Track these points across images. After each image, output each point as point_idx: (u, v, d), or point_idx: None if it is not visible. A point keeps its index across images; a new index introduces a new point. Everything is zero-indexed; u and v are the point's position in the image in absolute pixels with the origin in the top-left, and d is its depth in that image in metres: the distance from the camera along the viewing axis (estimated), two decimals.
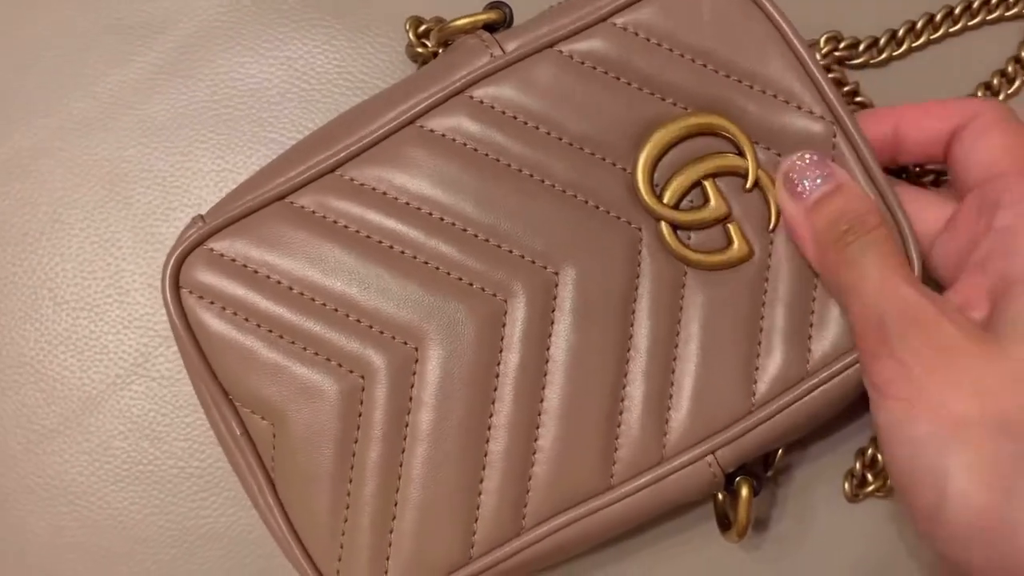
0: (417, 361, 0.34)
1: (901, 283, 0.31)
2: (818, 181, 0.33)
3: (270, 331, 0.34)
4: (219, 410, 0.35)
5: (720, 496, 0.36)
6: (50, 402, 0.40)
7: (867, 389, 0.32)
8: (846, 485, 0.39)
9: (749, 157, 0.35)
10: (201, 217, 0.35)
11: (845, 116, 0.34)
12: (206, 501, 0.40)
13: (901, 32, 0.41)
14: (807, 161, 0.34)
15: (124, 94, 0.41)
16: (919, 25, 0.41)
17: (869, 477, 0.39)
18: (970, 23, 0.41)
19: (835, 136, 0.34)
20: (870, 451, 0.39)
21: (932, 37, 0.41)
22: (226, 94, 0.41)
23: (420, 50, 0.39)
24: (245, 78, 0.41)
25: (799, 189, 0.34)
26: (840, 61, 0.41)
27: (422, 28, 0.39)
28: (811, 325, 0.34)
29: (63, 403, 0.40)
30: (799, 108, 0.35)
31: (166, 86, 0.41)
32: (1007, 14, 0.41)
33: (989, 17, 0.41)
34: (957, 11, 0.41)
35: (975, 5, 0.41)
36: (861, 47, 0.41)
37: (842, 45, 0.41)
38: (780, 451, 0.37)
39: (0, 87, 0.42)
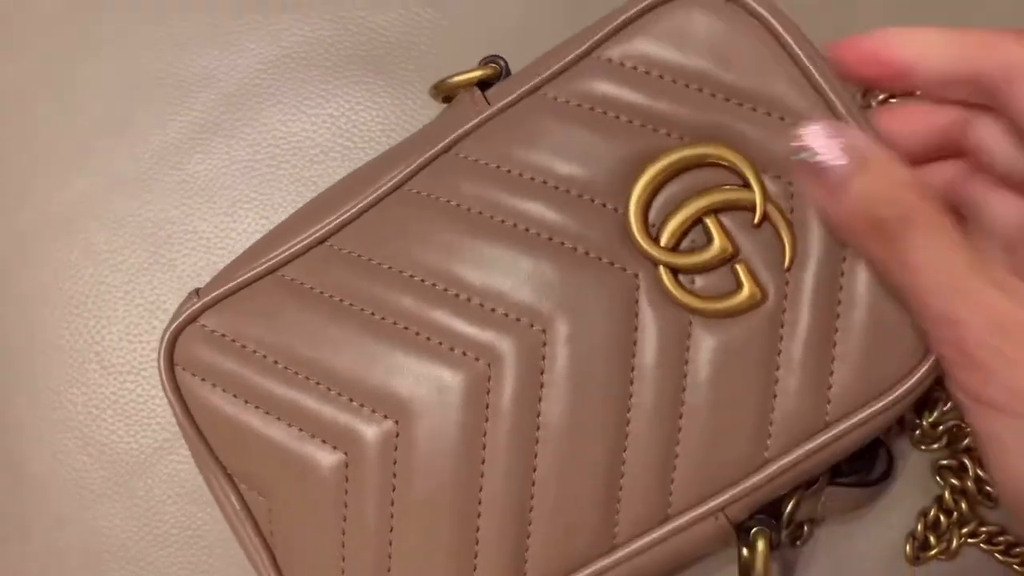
0: (398, 435, 0.33)
1: (964, 273, 0.26)
2: (836, 159, 0.27)
3: (257, 407, 0.34)
4: (219, 485, 0.35)
5: (745, 551, 0.33)
6: (98, 466, 0.40)
7: (955, 398, 0.27)
8: (907, 548, 0.38)
9: (755, 188, 0.31)
10: (196, 292, 0.35)
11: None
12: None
13: None
14: (816, 135, 0.28)
15: (165, 153, 0.41)
16: None
17: (932, 540, 0.38)
18: None
19: None
20: (932, 512, 0.38)
21: None
22: (268, 152, 0.41)
23: None
24: (287, 136, 0.41)
25: (815, 171, 0.28)
26: None
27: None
28: (831, 374, 0.31)
29: (111, 467, 0.40)
30: None
31: (207, 145, 0.41)
32: None
33: None
34: None
35: None
36: None
37: None
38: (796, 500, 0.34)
39: (44, 146, 0.41)
